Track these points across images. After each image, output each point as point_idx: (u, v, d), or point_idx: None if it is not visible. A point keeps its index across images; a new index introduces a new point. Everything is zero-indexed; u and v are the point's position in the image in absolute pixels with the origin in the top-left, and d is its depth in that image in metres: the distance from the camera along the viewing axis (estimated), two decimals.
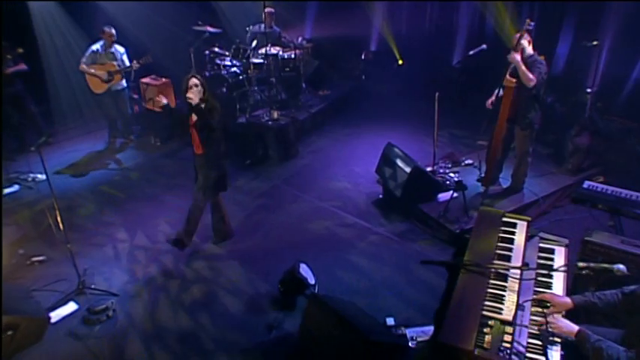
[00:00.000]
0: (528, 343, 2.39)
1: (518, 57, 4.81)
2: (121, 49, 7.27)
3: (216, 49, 8.17)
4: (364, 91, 9.47)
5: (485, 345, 2.24)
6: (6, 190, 6.50)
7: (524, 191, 5.65)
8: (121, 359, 3.90)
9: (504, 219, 3.12)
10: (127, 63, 7.23)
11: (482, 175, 5.84)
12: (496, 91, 5.25)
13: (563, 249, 3.12)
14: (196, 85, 4.64)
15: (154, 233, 5.54)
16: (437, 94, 5.62)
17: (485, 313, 2.42)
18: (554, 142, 6.42)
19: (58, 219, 4.44)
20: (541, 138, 6.01)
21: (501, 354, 2.21)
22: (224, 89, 7.97)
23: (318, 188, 6.36)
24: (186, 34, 8.31)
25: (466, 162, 6.38)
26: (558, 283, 2.82)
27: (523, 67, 4.77)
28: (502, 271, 2.65)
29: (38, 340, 4.07)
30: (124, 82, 7.44)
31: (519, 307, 2.49)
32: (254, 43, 7.93)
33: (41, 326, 4.12)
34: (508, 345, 2.26)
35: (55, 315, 4.32)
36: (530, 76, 4.73)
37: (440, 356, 2.22)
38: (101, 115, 7.84)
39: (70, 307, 4.44)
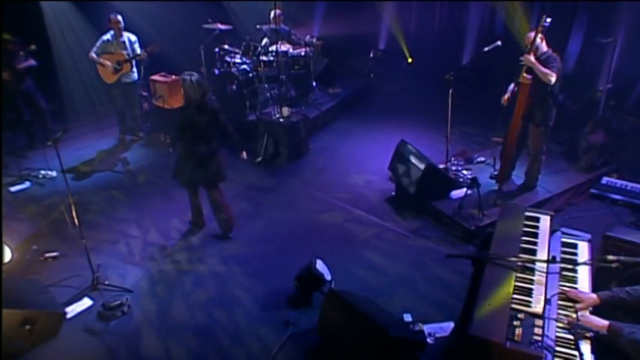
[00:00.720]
0: (557, 336, 2.37)
1: (532, 58, 4.78)
2: (132, 37, 7.22)
3: (226, 47, 8.16)
4: (374, 89, 9.45)
5: (515, 338, 2.22)
6: (17, 187, 6.50)
7: (538, 189, 5.61)
8: (137, 355, 3.89)
9: (527, 213, 3.09)
10: (139, 51, 7.19)
11: (496, 172, 5.82)
12: (510, 87, 5.23)
13: (586, 244, 3.10)
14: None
15: (167, 230, 5.53)
16: (450, 90, 5.60)
17: (514, 306, 2.39)
18: (567, 139, 6.38)
19: (74, 214, 4.43)
20: (554, 136, 5.96)
21: (532, 347, 2.19)
22: (234, 87, 7.97)
23: (331, 185, 6.34)
24: (197, 32, 8.28)
25: (479, 159, 6.35)
26: (583, 278, 2.80)
27: (540, 67, 4.74)
28: (529, 265, 2.63)
29: (55, 335, 4.07)
30: (134, 75, 7.38)
31: (547, 301, 2.47)
32: (264, 41, 7.92)
33: (57, 321, 4.11)
34: (539, 338, 2.23)
35: (70, 310, 4.31)
36: (549, 72, 4.70)
37: (470, 350, 2.20)
38: (112, 109, 7.86)
39: (85, 302, 4.43)
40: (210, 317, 4.25)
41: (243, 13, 9.09)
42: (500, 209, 3.18)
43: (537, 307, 2.39)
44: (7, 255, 4.78)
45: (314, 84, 8.24)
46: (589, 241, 3.13)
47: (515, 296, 2.45)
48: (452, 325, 3.99)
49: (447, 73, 9.28)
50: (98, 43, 7.13)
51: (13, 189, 6.44)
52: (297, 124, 7.10)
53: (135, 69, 7.39)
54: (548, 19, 4.53)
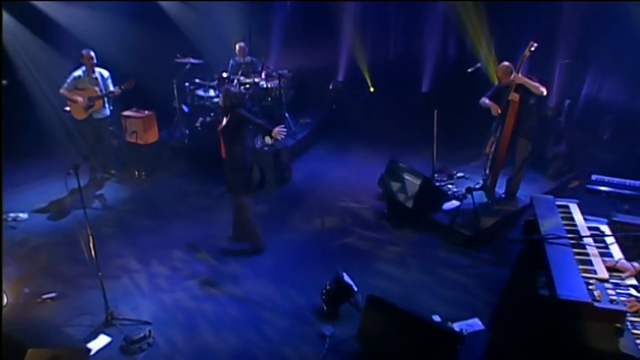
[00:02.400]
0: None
1: (521, 77, 5.39)
2: (105, 73, 7.00)
3: (197, 80, 8.21)
4: (338, 118, 9.81)
5: (597, 298, 2.48)
6: None
7: (518, 195, 6.13)
8: None
9: (558, 202, 3.45)
10: (111, 88, 7.01)
11: (478, 185, 6.24)
12: (487, 101, 5.74)
13: (606, 226, 3.48)
14: (224, 97, 4.85)
15: (169, 260, 5.37)
16: (435, 111, 6.05)
17: (583, 275, 2.66)
18: (531, 151, 7.02)
19: (91, 246, 4.24)
20: None
21: (613, 305, 2.45)
22: (208, 118, 8.00)
23: (324, 207, 6.48)
24: (165, 66, 8.27)
25: (458, 175, 6.80)
26: (617, 253, 3.14)
27: (532, 82, 5.35)
28: (580, 242, 2.94)
29: None
30: (106, 111, 7.16)
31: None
32: (239, 73, 8.05)
33: (82, 358, 3.85)
34: (614, 297, 2.51)
35: (90, 347, 4.05)
36: (540, 85, 5.31)
37: (560, 312, 2.42)
38: (79, 146, 7.55)
39: (103, 339, 4.18)
40: (242, 338, 4.17)
41: (211, 48, 9.19)
42: (531, 201, 3.50)
43: (603, 274, 2.69)
44: (4, 299, 4.44)
45: (286, 115, 8.46)
46: (607, 224, 3.52)
47: (580, 267, 2.73)
48: (477, 320, 4.24)
49: (406, 100, 9.92)
50: (69, 80, 6.89)
51: None
52: (281, 151, 7.24)
53: (107, 105, 7.19)
54: (535, 44, 5.13)
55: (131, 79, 7.06)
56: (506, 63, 5.52)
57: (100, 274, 4.31)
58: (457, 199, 6.06)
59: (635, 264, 2.94)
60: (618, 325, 2.38)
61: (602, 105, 7.37)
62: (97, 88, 6.95)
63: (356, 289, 4.45)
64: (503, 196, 6.13)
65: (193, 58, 8.09)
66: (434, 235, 5.67)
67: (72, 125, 7.61)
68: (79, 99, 6.88)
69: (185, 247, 5.57)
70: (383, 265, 5.16)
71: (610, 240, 3.20)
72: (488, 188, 6.02)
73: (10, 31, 7.93)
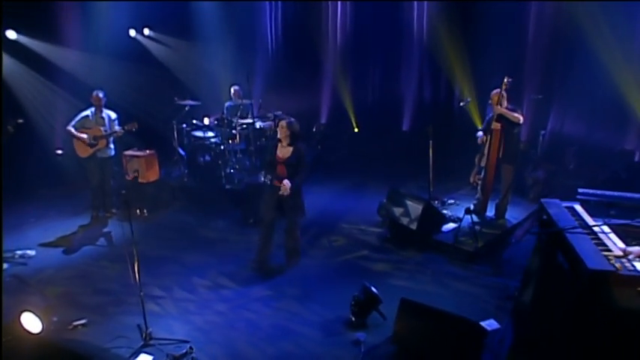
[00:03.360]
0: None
1: (501, 108, 6.13)
2: (112, 114, 7.28)
3: (195, 122, 8.61)
4: (325, 157, 10.34)
5: (619, 269, 2.98)
6: None
7: (507, 217, 6.75)
8: None
9: (564, 204, 4.02)
10: (117, 128, 7.23)
11: (472, 206, 6.81)
12: (480, 134, 6.45)
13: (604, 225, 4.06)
14: (282, 128, 5.39)
15: (191, 286, 5.53)
16: (430, 141, 6.69)
17: (603, 253, 3.18)
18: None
19: (135, 266, 4.43)
20: None
21: (632, 272, 2.97)
22: (208, 157, 8.34)
23: (329, 234, 6.86)
24: (165, 108, 8.65)
25: (449, 201, 7.39)
26: (618, 241, 3.67)
27: (510, 113, 6.08)
28: (591, 231, 3.49)
29: None
30: (111, 152, 7.37)
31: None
32: (238, 114, 8.50)
33: None
34: (632, 268, 3.03)
35: None
36: (517, 114, 6.04)
37: (590, 283, 2.90)
38: (85, 184, 7.68)
39: (145, 358, 4.30)
40: (280, 349, 4.39)
41: (208, 90, 9.68)
42: (540, 205, 4.06)
43: (617, 251, 3.21)
44: (39, 326, 4.49)
45: None
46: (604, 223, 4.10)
47: (599, 247, 3.26)
48: (493, 321, 4.65)
49: (387, 139, 10.61)
50: (77, 118, 7.13)
51: None
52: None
53: (112, 145, 7.42)
54: (510, 79, 5.91)
55: (134, 121, 7.35)
56: (497, 90, 6.26)
57: (141, 293, 4.47)
58: (453, 221, 6.62)
59: (637, 248, 3.49)
60: (639, 288, 2.88)
61: (566, 138, 8.29)
62: (102, 128, 7.18)
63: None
64: (493, 217, 6.73)
65: (192, 100, 8.53)
66: (437, 254, 6.13)
67: (73, 164, 7.73)
68: (84, 136, 7.08)
69: (204, 274, 5.76)
70: (395, 281, 5.54)
71: (607, 230, 3.75)
72: (480, 211, 6.60)
73: (16, 72, 8.22)
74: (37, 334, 4.40)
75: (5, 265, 6.11)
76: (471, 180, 7.00)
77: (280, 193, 5.49)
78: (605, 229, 3.53)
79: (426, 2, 9.65)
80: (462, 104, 6.64)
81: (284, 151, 5.58)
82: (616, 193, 5.18)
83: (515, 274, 5.35)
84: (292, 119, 5.64)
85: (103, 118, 7.21)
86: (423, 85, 9.97)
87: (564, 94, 7.73)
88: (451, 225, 6.53)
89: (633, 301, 2.85)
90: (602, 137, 7.73)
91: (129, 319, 4.88)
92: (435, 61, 9.31)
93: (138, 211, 7.75)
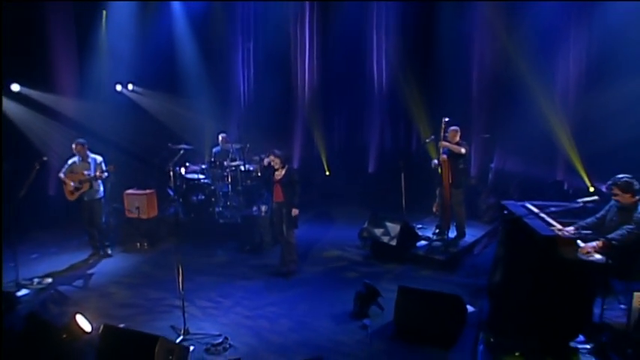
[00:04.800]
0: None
1: (446, 143, 7.53)
2: (98, 158, 7.67)
3: (188, 164, 9.52)
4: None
5: (560, 234, 4.24)
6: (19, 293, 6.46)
7: (468, 236, 8.02)
8: None
9: (519, 203, 5.31)
10: (102, 169, 7.61)
11: (438, 229, 8.05)
12: (435, 162, 7.81)
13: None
14: (273, 160, 6.48)
15: (209, 298, 6.27)
16: (402, 174, 7.98)
17: (550, 228, 4.44)
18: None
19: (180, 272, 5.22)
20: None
21: (569, 235, 4.23)
22: (201, 196, 9.19)
23: (318, 256, 7.83)
24: (161, 152, 9.55)
25: (418, 226, 8.59)
26: (555, 222, 4.94)
27: (453, 146, 7.47)
28: (540, 216, 4.77)
29: None
30: (97, 193, 7.72)
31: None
32: (229, 157, 9.49)
33: (185, 355, 4.68)
34: (567, 234, 4.29)
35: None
36: (458, 147, 7.44)
37: (544, 243, 4.11)
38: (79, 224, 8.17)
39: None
40: (302, 336, 5.27)
41: (193, 137, 10.66)
42: (504, 204, 5.33)
43: (559, 226, 4.48)
44: (87, 327, 5.11)
45: (265, 193, 9.89)
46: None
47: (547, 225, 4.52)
48: (469, 306, 5.71)
49: (353, 183, 11.77)
50: (66, 165, 7.59)
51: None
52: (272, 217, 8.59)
53: (100, 187, 7.76)
54: (447, 119, 7.39)
55: (112, 165, 7.74)
56: (454, 127, 7.63)
57: (182, 292, 5.24)
58: (425, 239, 7.81)
59: (594, 243, 4.70)
60: (574, 245, 4.14)
61: (510, 172, 9.86)
62: (85, 172, 7.51)
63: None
64: (456, 235, 7.98)
65: (186, 144, 9.49)
66: (415, 265, 7.23)
67: (67, 205, 8.14)
68: (70, 183, 7.51)
69: (218, 289, 6.54)
70: (384, 284, 6.46)
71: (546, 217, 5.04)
72: (444, 230, 7.84)
73: (26, 117, 9.02)
74: (89, 332, 5.01)
75: (26, 291, 6.60)
76: (434, 210, 8.27)
77: (293, 215, 6.72)
78: (545, 216, 4.83)
79: (384, 54, 11.28)
80: (427, 141, 8.01)
81: (279, 174, 6.86)
82: (547, 202, 6.56)
83: (481, 276, 6.49)
84: (278, 151, 6.91)
85: (89, 162, 7.60)
86: (385, 131, 11.42)
87: (506, 133, 9.35)
88: (424, 242, 7.71)
89: (571, 253, 4.09)
90: (538, 170, 9.31)
91: (160, 323, 5.57)
92: (395, 108, 10.89)
93: (139, 244, 8.40)
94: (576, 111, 9.05)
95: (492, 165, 9.07)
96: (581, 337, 4.35)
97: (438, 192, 8.04)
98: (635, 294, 4.25)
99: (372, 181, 11.40)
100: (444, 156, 7.49)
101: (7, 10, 8.48)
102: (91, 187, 7.64)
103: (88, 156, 7.65)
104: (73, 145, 7.54)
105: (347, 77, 11.42)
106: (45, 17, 9.31)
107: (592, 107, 8.57)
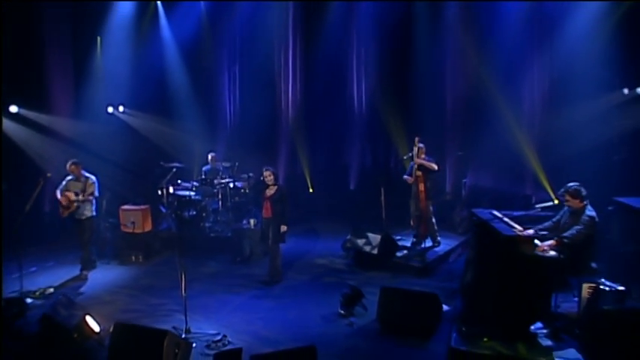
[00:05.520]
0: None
1: (420, 160, 8.24)
2: (92, 177, 7.93)
3: (179, 181, 10.02)
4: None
5: (520, 234, 4.90)
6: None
7: (443, 245, 8.67)
8: None
9: (486, 210, 5.98)
10: (92, 191, 7.89)
11: (415, 239, 8.68)
12: (405, 176, 8.48)
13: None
14: (268, 174, 7.01)
15: (205, 304, 6.71)
16: (382, 189, 8.63)
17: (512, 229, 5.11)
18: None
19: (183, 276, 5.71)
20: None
21: (527, 234, 4.90)
22: (194, 212, 9.67)
23: (305, 265, 8.39)
24: (154, 170, 10.05)
25: (397, 237, 9.21)
26: (516, 225, 5.62)
27: (426, 163, 8.18)
28: (504, 221, 5.44)
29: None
30: (89, 212, 7.93)
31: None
32: (219, 175, 10.01)
33: (189, 350, 5.16)
34: (526, 235, 4.96)
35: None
36: (431, 164, 8.15)
37: (506, 243, 4.76)
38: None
39: None
40: (294, 332, 5.78)
41: (188, 155, 11.19)
42: (474, 212, 5.99)
43: (520, 229, 5.15)
44: (97, 327, 5.55)
45: (253, 209, 10.42)
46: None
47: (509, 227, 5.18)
48: (444, 306, 6.30)
49: (335, 199, 12.38)
50: (64, 182, 7.88)
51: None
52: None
53: (91, 207, 7.97)
54: (418, 138, 8.13)
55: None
56: (421, 145, 8.31)
57: (184, 294, 5.72)
58: (404, 248, 8.43)
59: (549, 242, 5.37)
60: (532, 243, 4.81)
61: (482, 187, 10.60)
62: (73, 195, 7.75)
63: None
64: (431, 244, 8.63)
65: (178, 163, 10.00)
66: (395, 272, 7.82)
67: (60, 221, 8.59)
68: (62, 200, 7.77)
69: (214, 294, 7.02)
70: (367, 289, 6.97)
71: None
72: (421, 241, 8.49)
73: (26, 136, 9.52)
74: (98, 332, 5.44)
75: (29, 300, 6.95)
76: (412, 224, 8.86)
77: (282, 231, 7.25)
78: (508, 220, 5.51)
79: (364, 78, 12.05)
80: (404, 158, 8.70)
81: (270, 190, 7.33)
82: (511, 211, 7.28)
83: (455, 280, 7.13)
84: (271, 168, 7.47)
85: (82, 182, 7.86)
86: (365, 149, 12.12)
87: (478, 151, 10.15)
88: (404, 251, 8.33)
89: (529, 250, 4.76)
90: (508, 185, 10.07)
91: (162, 325, 5.87)
92: (375, 128, 11.65)
93: (134, 257, 8.81)
94: (540, 130, 9.93)
95: (465, 180, 9.82)
96: (539, 324, 4.97)
97: (411, 206, 8.68)
98: (584, 285, 4.92)
99: (354, 197, 12.05)
100: (419, 172, 8.18)
101: (7, 36, 9.00)
102: (78, 207, 7.83)
103: (82, 175, 7.92)
104: (67, 165, 7.82)
105: (329, 99, 12.14)
106: (43, 43, 9.84)
107: (553, 126, 9.47)
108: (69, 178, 7.97)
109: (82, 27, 10.37)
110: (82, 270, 8.12)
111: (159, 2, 11.79)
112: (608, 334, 4.17)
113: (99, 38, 10.83)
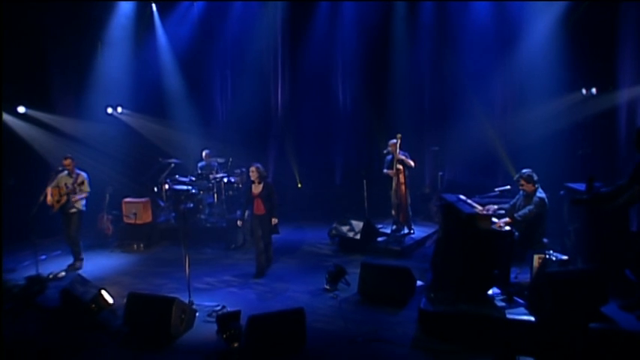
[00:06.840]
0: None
1: (402, 157, 9.06)
2: (82, 174, 8.23)
3: (177, 176, 10.72)
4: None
5: (479, 212, 5.71)
6: None
7: (420, 232, 9.50)
8: None
9: (454, 195, 6.79)
10: (87, 189, 8.27)
11: (395, 227, 9.49)
12: (385, 170, 9.31)
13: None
14: (252, 171, 7.59)
15: (205, 282, 7.48)
16: (364, 181, 9.44)
17: (473, 209, 5.93)
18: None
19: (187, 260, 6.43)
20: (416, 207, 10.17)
21: (486, 212, 5.72)
22: (191, 204, 10.38)
23: (296, 251, 9.16)
24: (153, 166, 10.76)
25: (379, 226, 10.01)
26: (478, 205, 6.46)
27: (407, 160, 9.00)
28: (467, 202, 6.26)
29: (192, 325, 5.82)
30: (78, 205, 8.22)
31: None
32: (214, 171, 10.74)
33: (193, 316, 5.89)
34: (485, 213, 5.78)
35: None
36: (410, 162, 8.99)
37: (467, 220, 5.57)
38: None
39: None
40: (284, 303, 6.48)
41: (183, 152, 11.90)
42: (442, 195, 6.80)
43: (479, 209, 5.97)
44: (110, 300, 6.25)
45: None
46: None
47: (471, 207, 6.00)
48: (420, 282, 7.12)
49: (322, 193, 13.11)
50: (55, 178, 8.13)
51: None
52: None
53: (82, 201, 8.27)
54: (399, 135, 8.94)
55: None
56: (393, 141, 9.10)
57: (187, 271, 6.45)
58: (384, 235, 9.23)
59: (504, 219, 6.20)
60: (490, 220, 5.64)
61: (457, 181, 11.43)
62: (65, 185, 8.08)
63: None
64: (406, 231, 9.44)
65: (175, 159, 10.71)
66: (376, 255, 8.59)
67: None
68: (48, 197, 8.02)
69: (211, 275, 7.77)
70: (350, 269, 7.67)
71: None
72: (400, 228, 9.31)
73: (34, 134, 10.20)
74: (112, 304, 6.15)
75: None
76: (393, 213, 9.67)
77: (274, 224, 7.82)
78: (471, 202, 6.34)
79: (348, 78, 12.84)
80: (385, 152, 9.50)
81: (257, 188, 7.82)
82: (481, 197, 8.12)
83: (429, 261, 7.91)
84: (258, 164, 7.90)
85: (73, 177, 8.17)
86: (350, 146, 12.89)
87: (453, 146, 11.03)
88: (384, 237, 9.13)
89: (487, 226, 5.58)
90: (481, 177, 10.91)
91: None
92: (358, 126, 12.47)
93: (135, 246, 9.49)
94: (507, 126, 10.86)
95: (441, 174, 10.69)
96: (496, 290, 5.80)
97: (393, 195, 9.47)
98: (535, 256, 5.75)
99: (340, 191, 12.83)
100: (400, 166, 9.00)
101: (15, 40, 9.65)
102: (68, 201, 8.12)
103: (74, 170, 8.24)
104: (63, 160, 8.18)
105: (316, 100, 12.89)
106: (48, 48, 10.48)
107: (518, 122, 10.43)
108: (62, 174, 8.21)
109: (83, 32, 11.01)
110: (74, 262, 8.42)
111: (153, 4, 12.42)
112: (547, 290, 4.97)
113: (99, 43, 11.47)
